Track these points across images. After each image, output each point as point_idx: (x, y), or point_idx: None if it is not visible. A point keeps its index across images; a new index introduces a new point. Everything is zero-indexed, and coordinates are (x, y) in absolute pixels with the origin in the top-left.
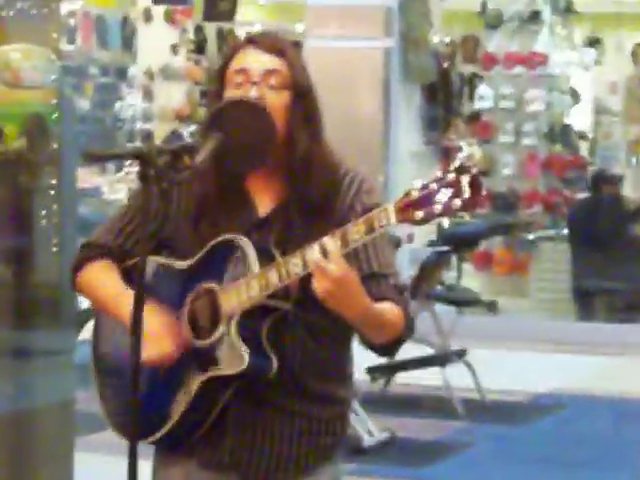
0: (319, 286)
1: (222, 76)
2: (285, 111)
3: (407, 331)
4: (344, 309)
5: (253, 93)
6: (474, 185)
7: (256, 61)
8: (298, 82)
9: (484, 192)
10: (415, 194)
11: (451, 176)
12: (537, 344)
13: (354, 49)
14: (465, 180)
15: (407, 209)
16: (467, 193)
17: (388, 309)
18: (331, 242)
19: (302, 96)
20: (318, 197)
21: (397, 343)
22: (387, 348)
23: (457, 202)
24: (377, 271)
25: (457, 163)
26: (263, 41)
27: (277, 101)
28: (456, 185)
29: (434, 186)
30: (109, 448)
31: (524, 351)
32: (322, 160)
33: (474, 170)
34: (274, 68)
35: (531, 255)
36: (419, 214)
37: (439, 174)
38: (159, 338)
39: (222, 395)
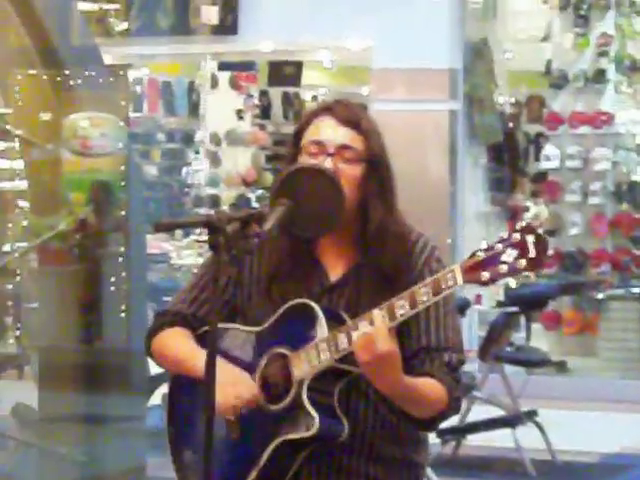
0: (360, 355)
1: (297, 141)
2: (359, 183)
3: (449, 411)
4: (378, 381)
5: (327, 165)
6: (539, 245)
7: (332, 134)
8: (373, 155)
9: (550, 252)
10: (481, 255)
11: (516, 236)
12: (607, 404)
13: (420, 111)
14: (530, 240)
15: (473, 270)
16: (532, 253)
17: (429, 387)
18: (379, 316)
19: (377, 168)
20: (390, 265)
21: (436, 420)
22: (424, 424)
23: (522, 262)
24: (433, 345)
25: (522, 223)
26: (340, 112)
27: (351, 173)
28: (521, 245)
29: (499, 247)
30: None
31: (595, 411)
32: (395, 230)
33: (539, 230)
34: (349, 143)
35: (600, 314)
36: (485, 275)
37: (504, 235)
38: (234, 384)
39: (295, 460)
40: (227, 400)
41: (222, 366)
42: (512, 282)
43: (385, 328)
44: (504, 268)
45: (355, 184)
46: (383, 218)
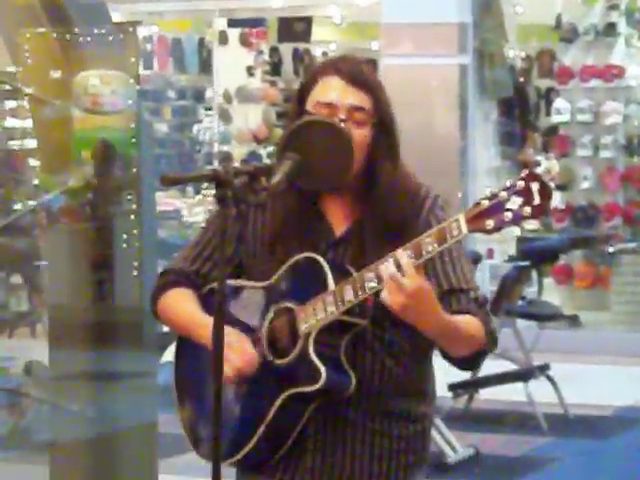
0: (394, 300)
1: (302, 98)
2: (368, 144)
3: (489, 344)
4: (420, 322)
5: None
6: (543, 192)
7: (343, 96)
8: (382, 116)
9: (562, 206)
10: (485, 203)
11: (520, 184)
12: (620, 357)
13: (429, 66)
14: (535, 187)
15: (478, 218)
16: (537, 200)
17: (467, 322)
18: (404, 255)
19: (385, 129)
20: (396, 219)
21: (479, 356)
22: (469, 361)
23: (527, 209)
24: (455, 286)
25: (526, 171)
26: (349, 72)
27: (361, 135)
28: (526, 193)
29: (504, 194)
30: (192, 470)
31: (606, 364)
32: (403, 187)
33: (543, 177)
34: (360, 105)
35: (612, 268)
36: (490, 223)
37: (508, 183)
38: (239, 350)
39: (302, 414)
40: (233, 368)
41: (226, 334)
42: (517, 230)
43: (411, 266)
44: (509, 216)
45: (363, 145)
46: (391, 177)
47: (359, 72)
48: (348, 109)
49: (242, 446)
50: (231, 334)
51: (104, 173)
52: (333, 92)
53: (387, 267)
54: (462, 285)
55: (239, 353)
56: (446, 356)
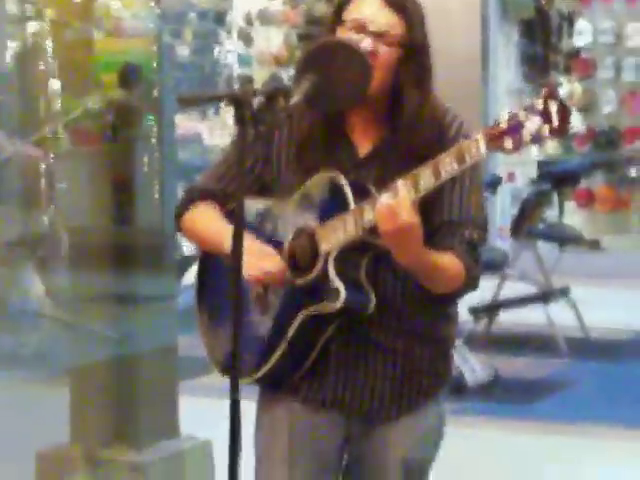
0: (381, 226)
1: (338, 13)
2: (396, 66)
3: (466, 287)
4: (398, 254)
5: (366, 44)
6: (562, 112)
7: (375, 15)
8: (414, 40)
9: (583, 128)
10: (504, 123)
11: (539, 104)
12: (639, 280)
13: None
14: (553, 107)
15: (497, 138)
16: (555, 120)
17: (448, 262)
18: (403, 188)
19: (416, 54)
20: (421, 143)
21: (453, 296)
22: (443, 299)
23: (545, 129)
24: (455, 220)
25: (545, 91)
26: None
27: (390, 56)
28: (544, 112)
29: (522, 115)
30: (212, 392)
31: (626, 288)
32: (430, 115)
33: (562, 97)
34: (392, 26)
35: (633, 191)
36: (509, 143)
37: (527, 103)
38: (260, 258)
39: (323, 333)
40: (253, 273)
41: (248, 241)
42: (538, 153)
43: (408, 199)
44: (527, 135)
45: (391, 67)
46: (418, 105)
47: None
48: (377, 28)
49: (264, 364)
50: (254, 243)
51: (127, 95)
52: (367, 9)
53: (387, 196)
54: (462, 220)
55: (273, 261)
56: (421, 287)
